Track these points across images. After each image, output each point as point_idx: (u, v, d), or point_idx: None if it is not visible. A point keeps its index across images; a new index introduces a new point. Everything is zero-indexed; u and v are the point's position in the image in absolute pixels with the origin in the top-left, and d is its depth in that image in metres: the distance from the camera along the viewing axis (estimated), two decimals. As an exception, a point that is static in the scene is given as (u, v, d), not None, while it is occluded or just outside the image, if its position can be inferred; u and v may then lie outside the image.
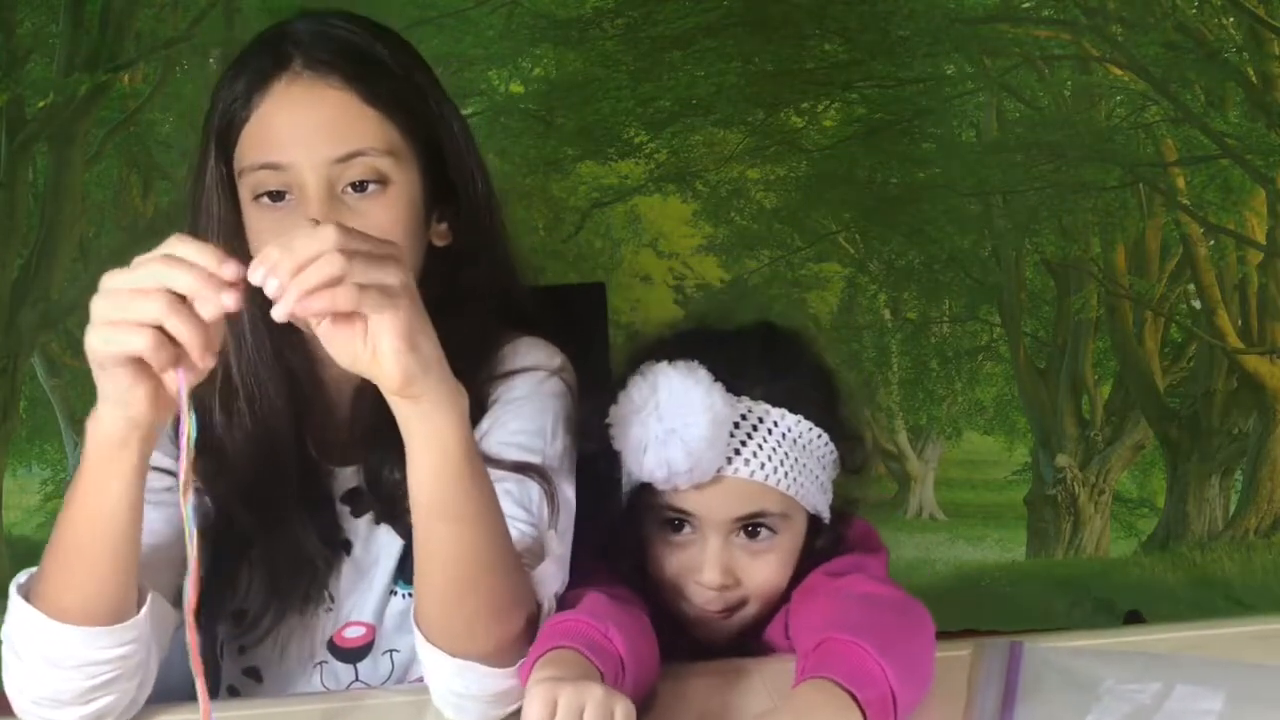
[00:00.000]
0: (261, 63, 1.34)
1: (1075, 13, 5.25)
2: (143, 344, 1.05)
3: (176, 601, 1.33)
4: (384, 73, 1.35)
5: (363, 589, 1.46)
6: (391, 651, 1.46)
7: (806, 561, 1.40)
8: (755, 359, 1.36)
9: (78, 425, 5.33)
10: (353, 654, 1.47)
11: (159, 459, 1.36)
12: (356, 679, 1.47)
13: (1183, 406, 5.52)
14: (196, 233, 1.37)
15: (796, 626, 1.32)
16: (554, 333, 1.50)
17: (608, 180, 5.51)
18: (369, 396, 1.37)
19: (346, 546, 1.46)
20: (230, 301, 1.05)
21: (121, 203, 5.29)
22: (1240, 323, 5.40)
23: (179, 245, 1.07)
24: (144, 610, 1.23)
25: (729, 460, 1.31)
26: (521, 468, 1.37)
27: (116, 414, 1.11)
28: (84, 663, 1.20)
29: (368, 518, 1.45)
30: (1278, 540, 5.32)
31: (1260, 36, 5.14)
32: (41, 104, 5.04)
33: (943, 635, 1.37)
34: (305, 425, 1.43)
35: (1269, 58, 5.13)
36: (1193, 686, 1.27)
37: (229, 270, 1.06)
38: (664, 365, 1.30)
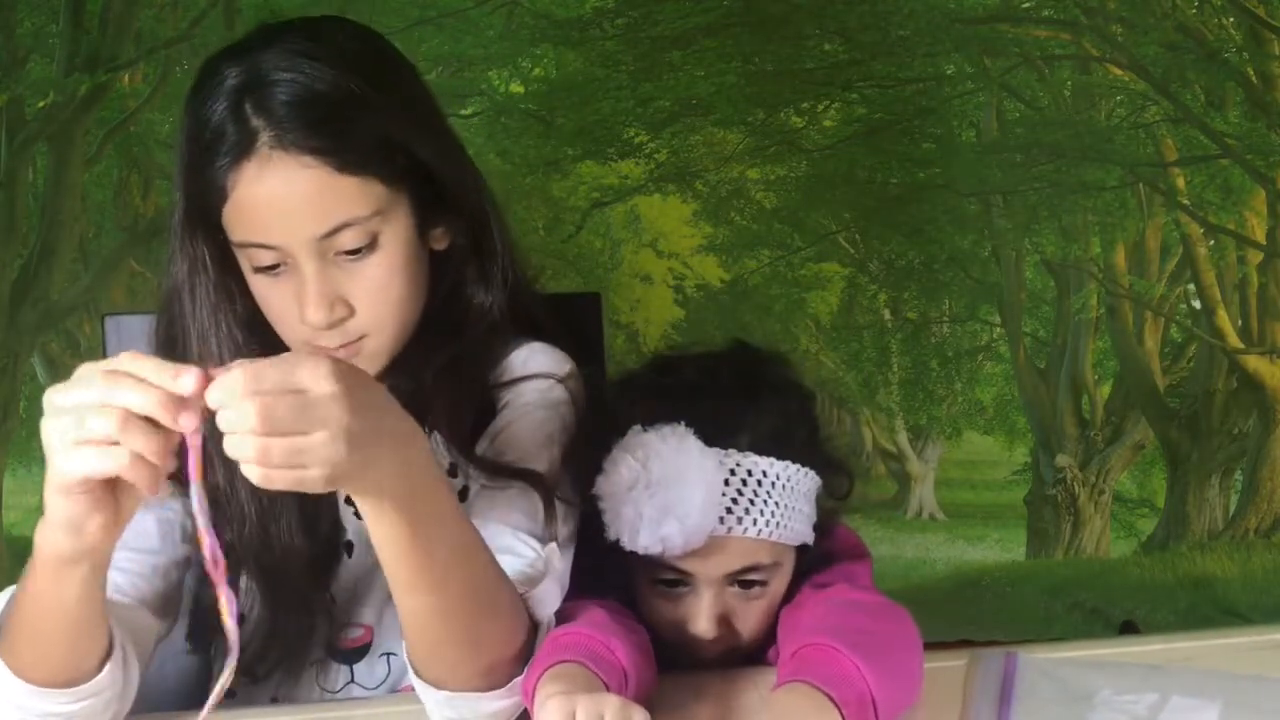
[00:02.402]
0: (228, 138, 1.27)
1: (1075, 13, 5.25)
2: (114, 465, 1.00)
3: (162, 609, 1.33)
4: (355, 125, 1.29)
5: (363, 591, 1.45)
6: (389, 655, 1.45)
7: (796, 580, 1.40)
8: (738, 400, 1.34)
9: (78, 425, 5.33)
10: (350, 655, 1.47)
11: None
12: (352, 680, 1.46)
13: (1183, 406, 5.52)
14: (183, 291, 1.36)
15: (781, 638, 1.32)
16: (555, 339, 1.49)
17: (608, 180, 5.50)
18: None
19: (349, 548, 1.46)
20: (188, 424, 0.99)
21: (121, 203, 5.29)
22: (1240, 323, 5.40)
23: (130, 363, 1.01)
24: (105, 670, 1.20)
25: (720, 520, 1.29)
26: (525, 475, 1.36)
27: (67, 540, 1.07)
28: (42, 714, 1.19)
29: None
30: (1278, 540, 5.32)
31: (1260, 36, 5.13)
32: (41, 104, 5.04)
33: (938, 645, 1.38)
34: None
35: (1269, 58, 5.12)
36: (1188, 698, 1.27)
37: (185, 384, 0.99)
38: (652, 437, 1.27)
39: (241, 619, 1.44)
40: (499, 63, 5.45)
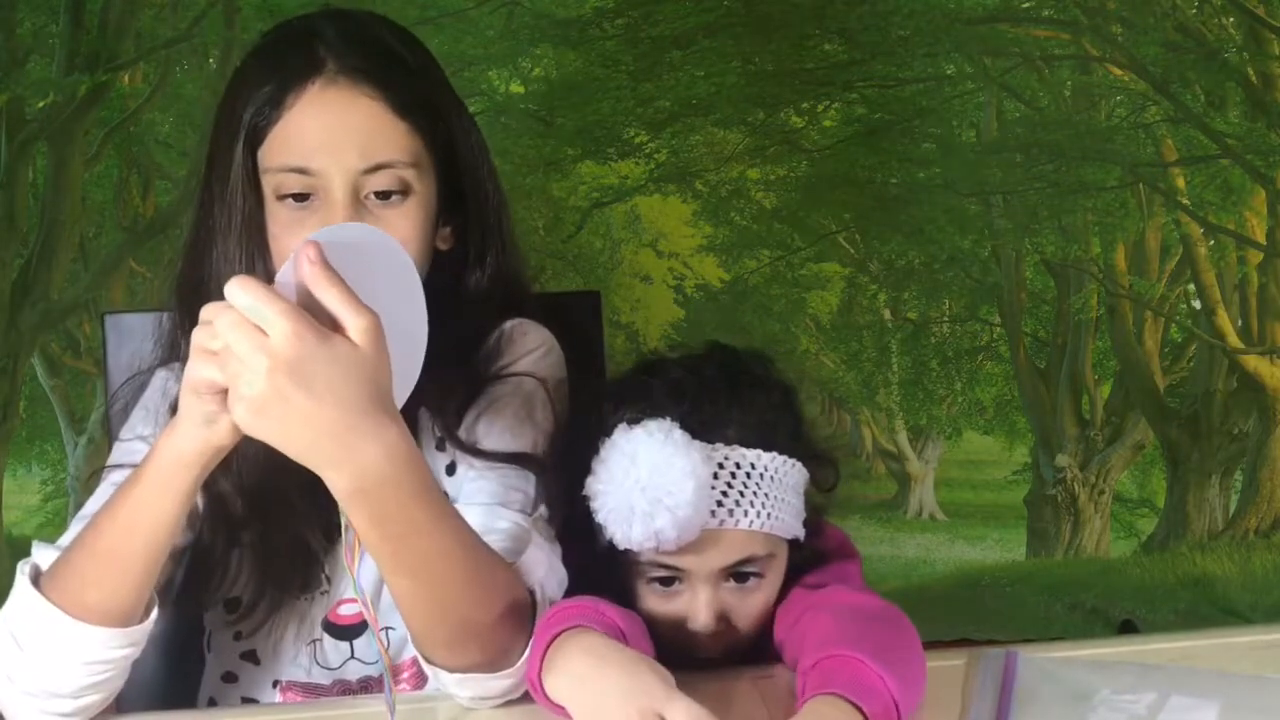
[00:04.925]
0: (294, 62, 1.34)
1: (1075, 13, 5.25)
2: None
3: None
4: (412, 81, 1.36)
5: (360, 568, 1.47)
6: (387, 629, 1.47)
7: (788, 579, 1.40)
8: (723, 396, 1.35)
9: (78, 425, 5.34)
10: (349, 631, 1.48)
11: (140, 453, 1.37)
12: (352, 656, 1.47)
13: (1183, 406, 5.52)
14: (212, 226, 1.38)
15: (789, 644, 1.32)
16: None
17: (608, 180, 5.51)
18: None
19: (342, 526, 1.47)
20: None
21: (121, 203, 5.29)
22: (1240, 323, 5.40)
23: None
24: (153, 614, 1.25)
25: (712, 513, 1.30)
26: (512, 459, 1.38)
27: (196, 434, 1.12)
28: (92, 660, 1.22)
29: None
30: (1278, 540, 5.32)
31: (1260, 36, 5.14)
32: (41, 104, 5.04)
33: (938, 644, 1.38)
34: None
35: (1269, 58, 5.13)
36: (1187, 697, 1.27)
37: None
38: (639, 432, 1.28)
39: (238, 602, 1.45)
40: (499, 63, 5.45)
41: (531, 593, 1.27)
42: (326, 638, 1.47)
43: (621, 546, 1.30)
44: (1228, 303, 5.40)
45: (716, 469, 1.31)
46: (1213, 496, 5.45)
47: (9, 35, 4.97)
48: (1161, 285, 5.48)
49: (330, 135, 1.32)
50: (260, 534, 1.42)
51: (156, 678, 1.53)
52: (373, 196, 1.34)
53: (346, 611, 1.47)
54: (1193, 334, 5.53)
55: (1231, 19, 5.18)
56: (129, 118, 5.19)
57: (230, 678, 1.50)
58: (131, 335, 1.66)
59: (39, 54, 5.08)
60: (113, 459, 1.43)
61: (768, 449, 1.34)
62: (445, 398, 1.42)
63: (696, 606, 1.34)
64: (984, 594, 5.37)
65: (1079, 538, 5.52)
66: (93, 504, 1.35)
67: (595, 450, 1.31)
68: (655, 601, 1.36)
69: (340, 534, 1.45)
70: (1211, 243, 5.40)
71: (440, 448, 1.43)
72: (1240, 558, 5.26)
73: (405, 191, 1.35)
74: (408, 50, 1.39)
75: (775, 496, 1.33)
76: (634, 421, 1.30)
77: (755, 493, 1.32)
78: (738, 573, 1.35)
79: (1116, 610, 4.96)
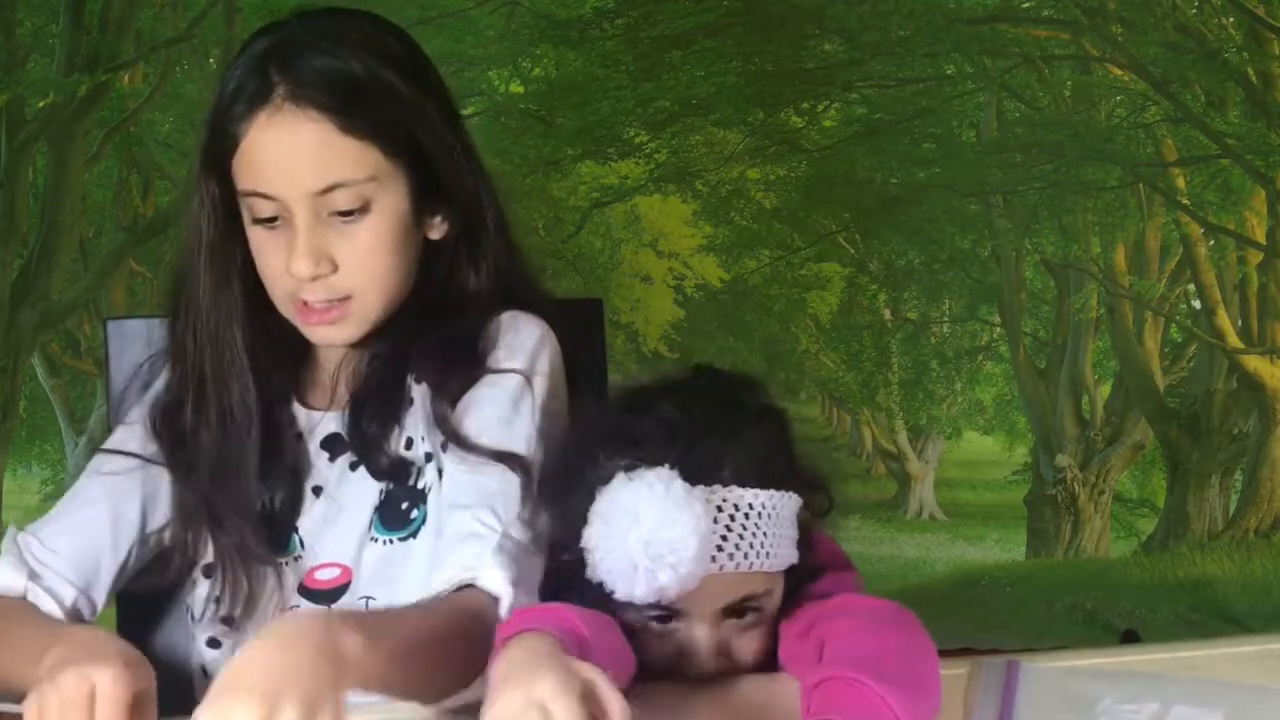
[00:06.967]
0: (248, 89, 1.37)
1: (1075, 13, 5.26)
2: None
3: (91, 594, 1.37)
4: (366, 96, 1.37)
5: (336, 533, 1.46)
6: (368, 599, 1.46)
7: (791, 594, 1.39)
8: (718, 434, 1.33)
9: (78, 425, 5.34)
10: (326, 596, 1.47)
11: (125, 442, 1.40)
12: None
13: (1183, 406, 5.52)
14: (191, 248, 1.41)
15: (799, 656, 1.31)
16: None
17: (608, 180, 5.51)
18: (357, 354, 1.44)
19: (316, 490, 1.47)
20: None
21: (121, 203, 5.29)
22: (1240, 323, 5.40)
23: None
24: None
25: (712, 558, 1.29)
26: (502, 457, 1.38)
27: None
28: None
29: (343, 462, 1.46)
30: (1278, 540, 5.32)
31: (1260, 36, 5.14)
32: (41, 104, 5.04)
33: (939, 653, 1.37)
34: (293, 371, 1.47)
35: (1269, 58, 5.13)
36: (1190, 707, 1.26)
37: None
38: (640, 486, 1.26)
39: (211, 568, 1.46)
40: (499, 63, 5.46)
41: (496, 600, 1.27)
42: (304, 603, 1.47)
43: (621, 600, 1.29)
44: (1228, 303, 5.40)
45: (715, 512, 1.29)
46: (1213, 497, 5.45)
47: (9, 35, 4.97)
48: (1161, 285, 5.49)
49: (281, 161, 1.36)
50: (223, 494, 1.44)
51: (154, 644, 1.54)
52: (335, 215, 1.36)
53: (323, 576, 1.47)
54: (1193, 334, 5.53)
55: (1231, 19, 5.19)
56: (129, 118, 5.19)
57: (214, 643, 1.50)
58: (134, 340, 1.66)
59: (39, 54, 5.08)
60: (107, 443, 1.44)
61: (765, 486, 1.31)
62: (441, 386, 1.43)
63: (695, 647, 1.33)
64: (984, 594, 5.37)
65: (1079, 538, 5.52)
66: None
67: (588, 492, 1.29)
68: (652, 640, 1.35)
69: (305, 500, 1.47)
70: (1211, 243, 5.40)
71: (428, 459, 1.43)
72: (1240, 558, 5.26)
73: (367, 206, 1.37)
74: (374, 53, 1.39)
75: (773, 533, 1.31)
76: (631, 470, 1.28)
77: (755, 533, 1.30)
78: (737, 609, 1.34)
79: (1116, 611, 4.96)
